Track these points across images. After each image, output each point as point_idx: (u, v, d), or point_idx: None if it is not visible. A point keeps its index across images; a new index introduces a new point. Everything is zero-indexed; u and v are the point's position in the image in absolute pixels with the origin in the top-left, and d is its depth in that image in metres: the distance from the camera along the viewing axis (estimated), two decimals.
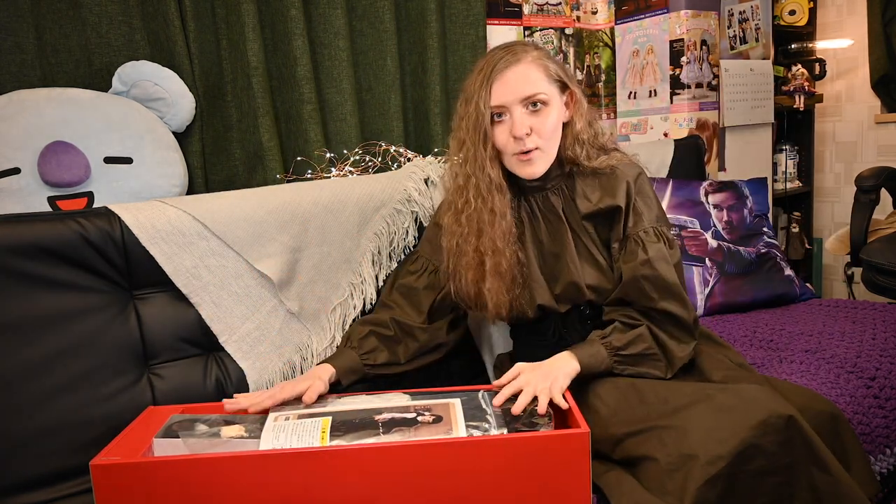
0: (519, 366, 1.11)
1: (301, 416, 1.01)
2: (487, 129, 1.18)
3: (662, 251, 1.18)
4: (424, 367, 1.33)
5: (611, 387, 1.13)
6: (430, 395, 1.09)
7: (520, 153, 1.17)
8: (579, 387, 1.16)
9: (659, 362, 1.16)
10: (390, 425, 0.97)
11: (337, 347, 1.34)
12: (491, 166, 1.20)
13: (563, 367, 1.10)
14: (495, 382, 1.10)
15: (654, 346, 1.16)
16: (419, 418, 0.98)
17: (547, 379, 1.06)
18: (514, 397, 1.04)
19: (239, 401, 1.09)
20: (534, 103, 1.16)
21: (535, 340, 1.32)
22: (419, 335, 1.29)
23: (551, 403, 1.03)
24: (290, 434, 0.96)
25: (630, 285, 1.18)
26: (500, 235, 1.21)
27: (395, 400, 1.08)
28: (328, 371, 1.19)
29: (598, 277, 1.23)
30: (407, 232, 1.48)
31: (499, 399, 1.04)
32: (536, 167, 1.18)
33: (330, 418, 0.99)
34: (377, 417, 0.99)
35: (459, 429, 0.96)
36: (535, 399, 1.03)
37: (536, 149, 1.17)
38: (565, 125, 1.23)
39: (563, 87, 1.21)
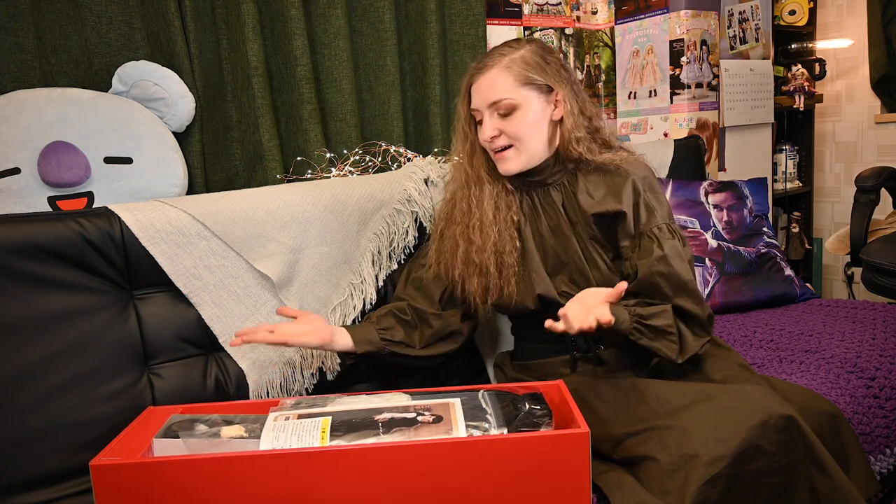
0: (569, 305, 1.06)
1: (301, 416, 1.01)
2: (466, 129, 1.28)
3: (677, 248, 1.18)
4: (441, 357, 1.33)
5: (611, 387, 1.13)
6: (430, 395, 1.09)
7: (494, 152, 1.24)
8: (581, 386, 1.16)
9: (674, 344, 1.13)
10: (390, 425, 0.97)
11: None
12: (469, 163, 1.29)
13: (598, 299, 1.07)
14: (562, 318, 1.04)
15: (674, 325, 1.14)
16: (419, 418, 0.98)
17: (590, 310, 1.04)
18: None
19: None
20: (502, 108, 1.19)
21: (536, 336, 1.32)
22: (433, 321, 1.30)
23: (551, 401, 1.03)
24: (290, 434, 0.96)
25: (645, 281, 1.17)
26: (476, 225, 1.26)
27: (395, 400, 1.08)
28: (341, 332, 1.22)
29: (597, 274, 1.23)
30: (407, 232, 1.48)
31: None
32: (510, 164, 1.24)
33: (330, 418, 0.99)
34: (377, 417, 0.99)
35: (459, 429, 0.96)
36: (534, 397, 1.03)
37: (509, 147, 1.22)
38: (560, 123, 1.23)
39: (548, 88, 1.21)
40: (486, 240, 1.25)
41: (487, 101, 1.20)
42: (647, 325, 1.12)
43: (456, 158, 1.33)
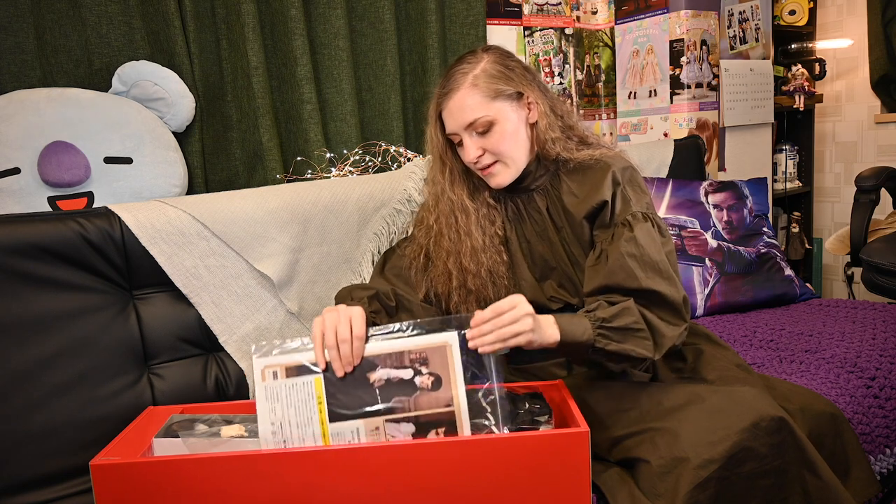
0: (514, 299, 0.99)
1: (288, 370, 0.97)
2: (444, 156, 1.25)
3: (649, 230, 1.13)
4: None
5: (606, 389, 1.12)
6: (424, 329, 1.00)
7: (481, 170, 1.21)
8: (577, 388, 1.15)
9: (646, 340, 1.05)
10: (388, 393, 0.95)
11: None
12: (451, 190, 1.25)
13: (544, 330, 1.01)
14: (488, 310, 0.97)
15: (641, 321, 1.06)
16: (417, 379, 0.96)
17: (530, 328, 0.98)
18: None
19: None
20: (479, 127, 1.17)
21: None
22: (418, 312, 1.26)
23: (551, 400, 1.03)
24: (286, 406, 0.95)
25: (614, 266, 1.10)
26: (468, 253, 1.23)
27: (390, 344, 1.00)
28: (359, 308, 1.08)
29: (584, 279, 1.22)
30: (407, 232, 1.48)
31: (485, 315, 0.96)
32: (500, 178, 1.21)
33: (322, 378, 0.96)
34: (372, 378, 0.96)
35: (459, 392, 0.95)
36: (535, 396, 1.03)
37: (496, 162, 1.20)
38: (534, 126, 1.21)
39: (517, 94, 1.18)
40: (480, 266, 1.23)
41: (463, 124, 1.18)
42: (611, 327, 1.04)
43: (432, 187, 1.29)
